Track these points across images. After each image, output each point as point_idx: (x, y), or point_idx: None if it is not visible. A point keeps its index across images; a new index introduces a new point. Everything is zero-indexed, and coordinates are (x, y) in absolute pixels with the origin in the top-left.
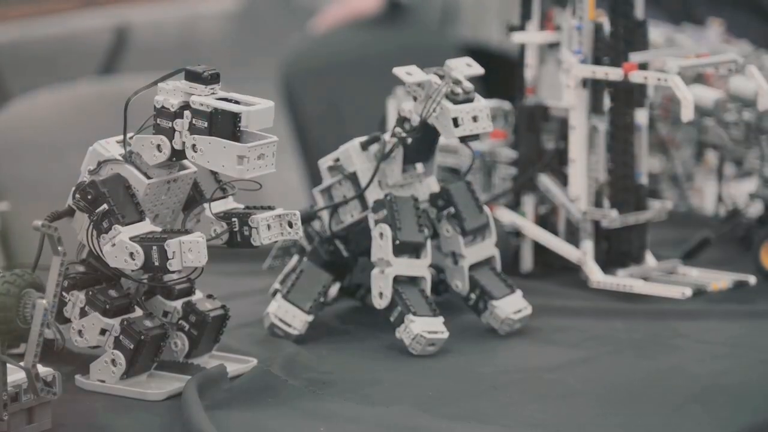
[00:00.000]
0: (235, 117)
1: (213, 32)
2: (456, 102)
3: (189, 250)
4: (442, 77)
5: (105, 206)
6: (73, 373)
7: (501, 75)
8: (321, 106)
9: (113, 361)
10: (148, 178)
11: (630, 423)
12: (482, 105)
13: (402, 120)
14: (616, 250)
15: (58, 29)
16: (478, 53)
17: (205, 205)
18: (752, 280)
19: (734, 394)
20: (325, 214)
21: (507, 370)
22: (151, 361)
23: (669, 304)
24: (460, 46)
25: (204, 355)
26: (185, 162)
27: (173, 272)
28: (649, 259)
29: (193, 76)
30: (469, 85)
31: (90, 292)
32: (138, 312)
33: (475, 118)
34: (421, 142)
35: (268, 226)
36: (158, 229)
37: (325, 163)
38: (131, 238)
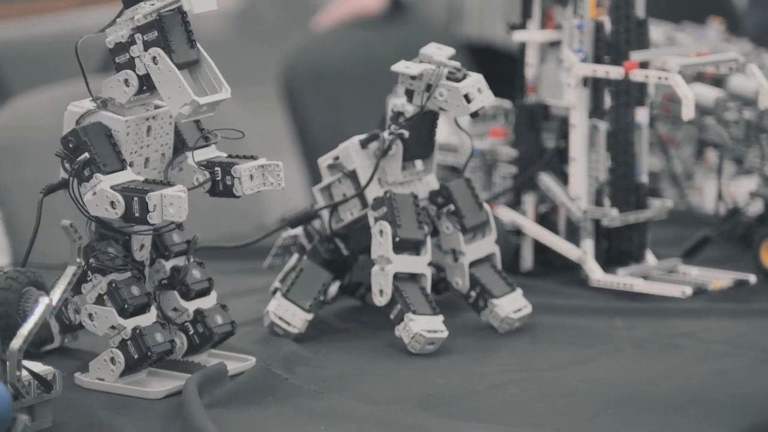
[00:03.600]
0: (183, 15)
1: (213, 31)
2: (458, 80)
3: (170, 204)
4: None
5: (86, 155)
6: (72, 371)
7: (506, 73)
8: (321, 105)
9: (113, 360)
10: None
11: (630, 422)
12: (479, 76)
13: (396, 116)
14: (617, 248)
15: (58, 28)
16: (483, 52)
17: (188, 153)
18: (752, 278)
19: (734, 394)
20: (325, 213)
21: (507, 368)
22: (150, 365)
23: (669, 303)
24: (464, 45)
25: (203, 353)
26: (159, 101)
27: (152, 225)
28: (650, 258)
29: (131, 2)
30: (456, 63)
31: (113, 284)
32: (152, 314)
33: (479, 90)
34: (419, 135)
35: (251, 177)
36: (140, 178)
37: (324, 161)
38: (112, 187)
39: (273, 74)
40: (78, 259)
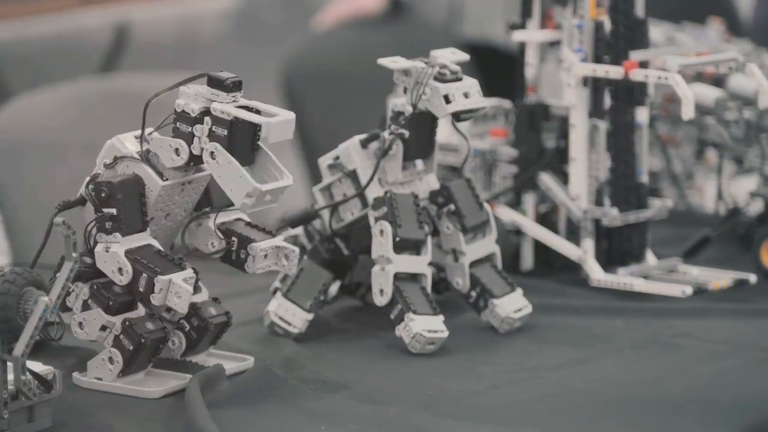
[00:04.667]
0: (256, 128)
1: (213, 31)
2: (444, 81)
3: (176, 294)
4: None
5: (114, 211)
6: (71, 370)
7: (507, 73)
8: (321, 105)
9: (110, 359)
10: (164, 179)
11: (630, 422)
12: (472, 82)
13: (396, 115)
14: (617, 248)
15: (58, 28)
16: (484, 51)
17: (211, 215)
18: (753, 278)
19: (734, 394)
20: (325, 213)
21: (507, 369)
22: (148, 361)
23: (669, 303)
24: (464, 44)
25: (202, 353)
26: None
27: (152, 305)
28: (650, 258)
29: (215, 83)
30: (455, 67)
31: (94, 286)
32: (140, 310)
33: (466, 95)
34: (419, 135)
35: (265, 256)
36: (155, 244)
37: (325, 161)
38: (126, 252)
39: (273, 74)
40: (74, 254)
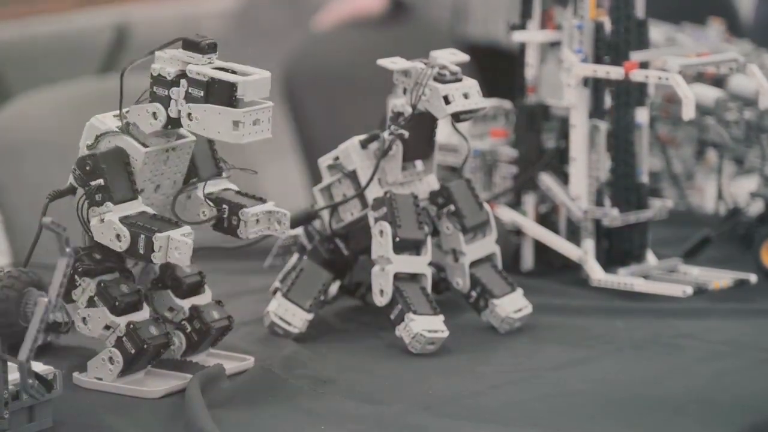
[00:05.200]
0: (232, 87)
1: (213, 31)
2: (444, 82)
3: (176, 248)
4: (427, 66)
5: (101, 181)
6: (71, 370)
7: (510, 74)
8: (321, 106)
9: (110, 359)
10: (146, 147)
11: (630, 422)
12: (472, 83)
13: (396, 116)
14: (617, 248)
15: (57, 28)
16: (487, 52)
17: (199, 184)
18: (753, 278)
19: (735, 394)
20: (325, 213)
21: (507, 369)
22: (147, 362)
23: (670, 303)
24: (467, 45)
25: (202, 353)
26: (183, 131)
27: (155, 264)
28: (650, 258)
29: (190, 45)
30: (455, 68)
31: (102, 284)
32: (145, 311)
33: (465, 96)
34: (419, 135)
35: (257, 221)
36: (149, 210)
37: (324, 161)
38: (121, 219)
39: (273, 74)
40: (67, 249)
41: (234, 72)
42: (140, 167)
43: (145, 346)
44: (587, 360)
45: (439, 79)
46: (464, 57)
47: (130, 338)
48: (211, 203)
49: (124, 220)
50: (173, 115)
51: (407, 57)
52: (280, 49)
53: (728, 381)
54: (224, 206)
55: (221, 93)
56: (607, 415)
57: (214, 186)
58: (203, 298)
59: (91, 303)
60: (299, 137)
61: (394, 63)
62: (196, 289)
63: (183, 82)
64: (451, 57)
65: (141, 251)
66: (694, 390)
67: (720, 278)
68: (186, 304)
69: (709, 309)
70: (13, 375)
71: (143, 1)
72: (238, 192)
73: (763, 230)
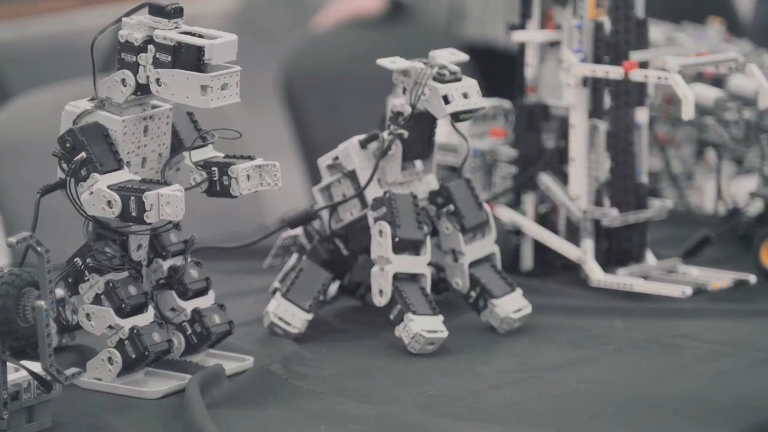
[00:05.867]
0: (199, 50)
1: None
2: (443, 81)
3: (167, 203)
4: (426, 65)
5: (83, 154)
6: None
7: (508, 74)
8: (321, 105)
9: (110, 360)
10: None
11: (630, 423)
12: (471, 82)
13: (396, 116)
14: (617, 248)
15: (58, 28)
16: (485, 53)
17: (185, 153)
18: (752, 279)
19: (734, 395)
20: (324, 213)
21: (506, 369)
22: (147, 365)
23: (669, 303)
24: (465, 45)
25: (201, 354)
26: (158, 101)
27: (149, 224)
28: (650, 258)
29: (156, 10)
30: (455, 68)
31: (110, 284)
32: (149, 314)
33: (465, 95)
34: (418, 135)
35: (248, 177)
36: (137, 177)
37: (324, 161)
38: (109, 187)
39: (273, 74)
40: (39, 248)
41: (201, 36)
42: (120, 138)
43: (147, 353)
44: (587, 360)
45: (439, 78)
46: (464, 57)
47: (132, 344)
48: (200, 168)
49: (112, 186)
50: (142, 81)
51: (406, 57)
52: (279, 49)
53: (727, 381)
54: (213, 169)
55: (188, 57)
56: (607, 415)
57: (200, 154)
58: (206, 301)
59: (97, 300)
60: (299, 137)
61: (393, 63)
62: (201, 293)
63: (150, 47)
64: (450, 57)
65: (133, 213)
66: (693, 390)
67: (719, 278)
68: (188, 305)
69: (709, 309)
70: (13, 376)
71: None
72: (225, 156)
73: (763, 230)
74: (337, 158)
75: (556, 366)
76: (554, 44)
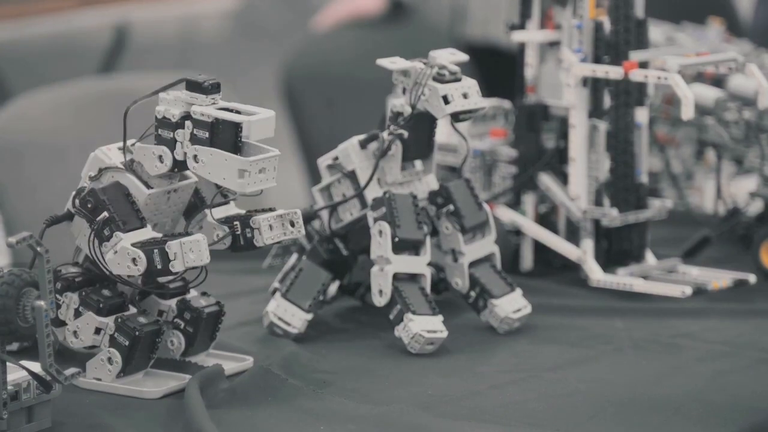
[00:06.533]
0: (237, 127)
1: (213, 31)
2: (443, 82)
3: (190, 250)
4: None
5: (105, 214)
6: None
7: (509, 74)
8: (321, 106)
9: (109, 359)
10: (149, 187)
11: (630, 422)
12: (471, 82)
13: (396, 116)
14: (617, 248)
15: (58, 28)
16: (486, 53)
17: (207, 210)
18: (752, 278)
19: (734, 394)
20: (324, 213)
21: (506, 369)
22: (147, 359)
23: (669, 303)
24: (466, 45)
25: (201, 354)
26: (186, 172)
27: (176, 273)
28: (650, 258)
29: (193, 86)
30: (454, 68)
31: (83, 293)
32: (132, 310)
33: (465, 95)
34: (418, 135)
35: (270, 227)
36: (159, 235)
37: (324, 161)
38: (133, 245)
39: (273, 74)
40: (39, 249)
41: (238, 112)
42: (141, 207)
43: (137, 333)
44: (586, 360)
45: (439, 78)
46: (463, 57)
47: (120, 331)
48: (222, 224)
49: (135, 244)
50: (179, 157)
51: (406, 57)
52: (279, 49)
53: (727, 381)
54: (235, 223)
55: (226, 133)
56: (607, 415)
57: (223, 212)
58: (189, 295)
59: (77, 314)
60: (299, 137)
61: (393, 63)
62: (180, 292)
63: (188, 123)
64: (450, 57)
65: (158, 266)
66: (693, 390)
67: (719, 278)
68: (173, 302)
69: (708, 309)
70: (12, 376)
71: (143, 1)
72: (247, 211)
73: (762, 230)
74: (337, 158)
75: (556, 366)
76: (554, 44)
